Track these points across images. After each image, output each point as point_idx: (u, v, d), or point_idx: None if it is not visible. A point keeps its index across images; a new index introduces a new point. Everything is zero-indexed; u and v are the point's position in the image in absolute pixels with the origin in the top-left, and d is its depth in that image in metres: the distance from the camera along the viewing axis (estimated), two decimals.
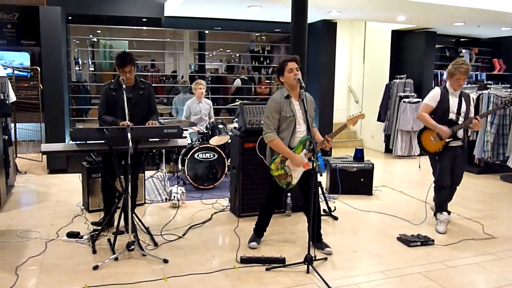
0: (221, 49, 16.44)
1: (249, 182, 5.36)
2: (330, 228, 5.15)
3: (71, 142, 4.17)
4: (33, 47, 8.91)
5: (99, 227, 4.63)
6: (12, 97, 6.80)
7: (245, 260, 4.07)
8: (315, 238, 4.26)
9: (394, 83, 9.85)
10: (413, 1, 7.57)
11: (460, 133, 5.06)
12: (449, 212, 5.25)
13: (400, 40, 10.39)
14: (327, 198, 5.78)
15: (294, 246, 4.53)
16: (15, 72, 8.39)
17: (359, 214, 5.70)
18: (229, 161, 6.60)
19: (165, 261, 4.03)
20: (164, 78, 14.25)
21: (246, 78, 13.36)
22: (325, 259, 4.20)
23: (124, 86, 4.33)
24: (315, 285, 3.68)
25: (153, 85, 5.02)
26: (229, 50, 16.40)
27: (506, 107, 5.90)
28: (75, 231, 4.63)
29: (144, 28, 10.24)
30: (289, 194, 5.50)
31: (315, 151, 4.00)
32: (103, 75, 12.27)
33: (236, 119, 6.72)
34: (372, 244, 4.70)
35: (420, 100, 9.28)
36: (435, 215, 5.35)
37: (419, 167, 8.10)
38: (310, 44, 6.53)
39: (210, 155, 6.67)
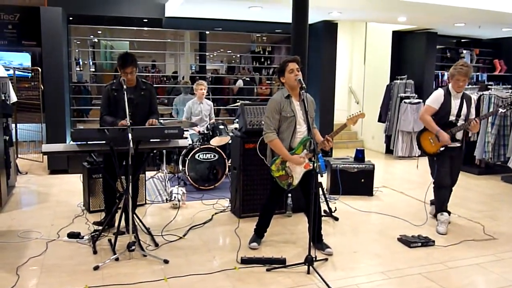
0: (221, 50, 16.44)
1: (250, 183, 5.36)
2: (330, 228, 5.15)
3: (72, 142, 4.18)
4: (34, 47, 8.92)
5: (100, 227, 4.63)
6: (13, 98, 6.81)
7: (245, 261, 4.07)
8: (316, 239, 4.26)
9: (394, 84, 9.85)
10: (413, 2, 7.58)
11: (459, 135, 5.09)
12: (449, 213, 5.26)
13: (401, 41, 10.39)
14: (328, 199, 5.78)
15: (294, 246, 4.53)
16: (16, 72, 8.40)
17: (359, 215, 5.70)
18: (229, 161, 6.60)
19: (166, 261, 4.03)
20: (165, 79, 14.26)
21: (248, 79, 13.39)
22: (326, 259, 4.20)
23: (125, 86, 4.33)
24: (316, 286, 3.68)
25: (154, 85, 5.01)
26: (230, 51, 16.40)
27: (506, 110, 5.90)
28: (76, 232, 4.63)
29: (145, 28, 10.25)
30: (289, 195, 5.50)
31: (316, 151, 4.00)
32: (104, 76, 12.29)
33: (237, 119, 6.73)
34: (372, 244, 4.70)
35: (421, 101, 9.29)
36: (435, 216, 5.36)
37: (417, 167, 8.11)
38: (311, 45, 6.53)
39: (210, 156, 6.67)
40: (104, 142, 4.16)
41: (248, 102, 5.95)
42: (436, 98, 5.13)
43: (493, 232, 5.08)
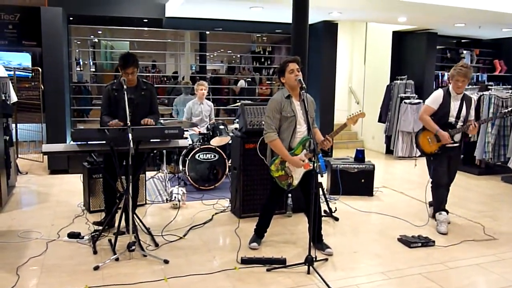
0: (222, 50, 16.46)
1: (250, 183, 5.36)
2: (330, 229, 5.15)
3: (72, 142, 4.18)
4: (34, 47, 8.92)
5: (100, 227, 4.63)
6: (13, 98, 6.81)
7: (245, 261, 4.07)
8: (316, 239, 4.26)
9: (395, 84, 9.85)
10: (414, 2, 7.58)
11: (458, 137, 5.11)
12: (447, 212, 5.26)
13: (401, 41, 10.39)
14: (328, 199, 5.78)
15: (294, 247, 4.53)
16: (16, 72, 8.40)
17: (359, 215, 5.70)
18: (229, 161, 6.60)
19: (166, 261, 4.03)
20: (165, 79, 14.27)
21: (250, 79, 13.40)
22: (326, 260, 4.20)
23: (125, 86, 4.33)
24: (316, 286, 3.68)
25: (154, 86, 5.01)
26: (230, 51, 16.42)
27: (505, 117, 5.94)
28: (76, 232, 4.63)
29: (145, 29, 10.26)
30: (289, 195, 5.50)
31: (316, 151, 4.00)
32: (104, 76, 12.30)
33: (237, 119, 6.72)
34: (372, 245, 4.70)
35: (421, 101, 9.29)
36: (433, 216, 5.37)
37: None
38: (311, 45, 6.54)
39: (211, 156, 6.68)
40: (104, 142, 4.16)
41: (248, 102, 5.95)
42: (435, 98, 5.15)
43: (493, 232, 5.08)
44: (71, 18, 8.68)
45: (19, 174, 7.32)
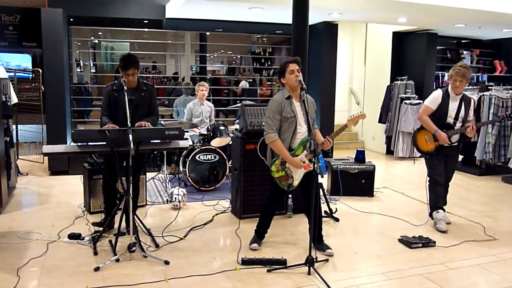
0: (222, 51, 16.46)
1: (250, 184, 5.36)
2: (331, 229, 5.15)
3: (72, 143, 4.18)
4: (35, 48, 8.94)
5: (100, 228, 4.63)
6: (14, 99, 6.82)
7: (246, 262, 4.07)
8: (316, 240, 4.25)
9: (395, 85, 9.85)
10: (414, 2, 7.59)
11: (455, 137, 5.14)
12: (443, 210, 5.29)
13: (401, 42, 10.39)
14: (328, 200, 5.78)
15: (295, 247, 4.53)
16: (17, 74, 8.41)
17: (360, 216, 5.70)
18: (230, 162, 6.60)
19: (166, 262, 4.03)
20: (166, 80, 14.27)
21: (251, 80, 13.41)
22: (326, 260, 4.20)
23: (126, 87, 4.33)
24: (316, 287, 3.68)
25: (154, 86, 5.02)
26: (230, 52, 16.42)
27: (503, 121, 5.96)
28: (77, 233, 4.63)
29: (146, 30, 10.27)
30: (290, 196, 5.49)
31: (316, 152, 4.00)
32: (105, 77, 12.32)
33: (237, 120, 6.72)
34: (373, 245, 4.70)
35: (421, 101, 9.28)
36: (430, 215, 5.39)
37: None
38: (311, 46, 6.55)
39: (211, 157, 6.68)
40: (104, 143, 4.16)
41: (249, 103, 5.95)
42: (434, 98, 5.18)
43: (494, 232, 5.08)
44: (71, 19, 8.69)
45: (19, 175, 7.32)
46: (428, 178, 5.33)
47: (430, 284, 3.80)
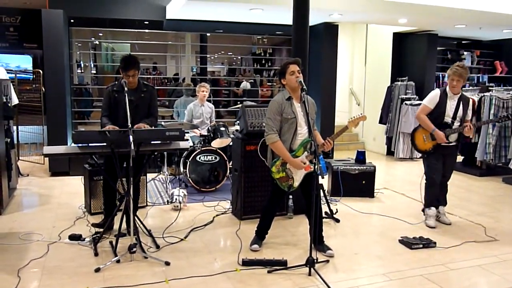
0: (222, 52, 16.47)
1: (251, 185, 5.36)
2: (331, 230, 5.15)
3: (73, 144, 4.18)
4: (36, 50, 8.94)
5: (101, 229, 4.63)
6: (15, 100, 6.82)
7: (247, 263, 4.07)
8: (317, 241, 4.25)
9: (395, 86, 9.85)
10: (414, 3, 7.60)
11: (453, 137, 5.17)
12: (437, 207, 5.38)
13: (402, 43, 10.39)
14: (329, 201, 5.78)
15: (296, 248, 4.53)
16: (18, 75, 8.42)
17: (360, 217, 5.70)
18: (230, 163, 6.61)
19: (167, 263, 4.03)
20: (166, 81, 14.28)
21: (252, 81, 13.41)
22: (327, 261, 4.20)
23: (126, 88, 4.33)
24: None
25: (155, 87, 5.02)
26: (231, 53, 16.43)
27: (500, 121, 5.99)
28: (77, 234, 4.63)
29: (146, 31, 10.27)
30: (290, 197, 5.49)
31: (317, 153, 4.00)
32: (105, 78, 12.32)
33: (238, 121, 6.72)
34: (374, 246, 4.70)
35: (422, 102, 9.28)
36: (423, 210, 5.48)
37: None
38: (311, 47, 6.54)
39: (211, 158, 6.68)
40: (105, 144, 4.16)
41: (249, 104, 5.95)
42: (432, 98, 5.23)
43: (494, 233, 5.08)
44: (72, 20, 8.70)
45: (20, 176, 7.33)
46: (424, 177, 5.38)
47: (431, 285, 3.80)
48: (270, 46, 14.15)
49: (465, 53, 11.17)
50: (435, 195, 5.32)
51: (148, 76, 14.30)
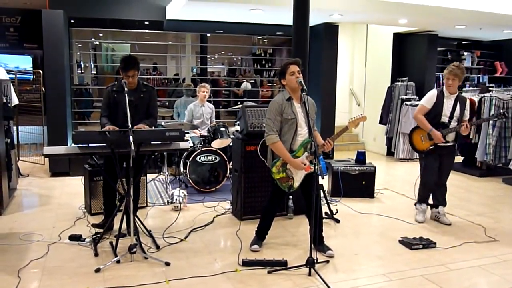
0: (223, 52, 16.48)
1: (251, 185, 5.36)
2: (332, 230, 5.15)
3: (73, 145, 4.18)
4: (36, 50, 8.95)
5: (101, 230, 4.63)
6: (15, 100, 6.83)
7: (247, 263, 4.07)
8: (317, 241, 4.25)
9: (396, 86, 9.85)
10: (414, 4, 7.60)
11: (451, 136, 5.22)
12: (436, 207, 5.44)
13: (402, 43, 10.40)
14: (329, 201, 5.78)
15: (296, 249, 4.53)
16: (17, 75, 8.42)
17: (361, 217, 5.70)
18: (230, 164, 6.61)
19: (167, 264, 4.03)
20: (166, 81, 14.29)
21: (253, 81, 13.41)
22: (327, 261, 4.20)
23: (126, 89, 4.33)
24: None
25: (155, 88, 5.02)
26: (231, 53, 16.43)
27: (496, 119, 6.04)
28: (77, 234, 4.63)
29: (146, 31, 10.27)
30: (290, 197, 5.49)
31: (317, 153, 4.00)
32: (105, 78, 12.33)
33: (238, 122, 6.72)
34: (374, 246, 4.70)
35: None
36: (415, 205, 5.60)
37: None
38: (311, 47, 6.54)
39: (212, 158, 6.68)
40: (105, 144, 4.16)
41: (249, 104, 5.95)
42: (429, 98, 5.30)
43: (494, 234, 5.08)
44: (72, 21, 8.70)
45: (20, 176, 7.33)
46: (419, 176, 5.48)
47: (431, 285, 3.80)
48: (271, 47, 14.15)
49: (465, 53, 11.18)
50: (428, 193, 5.43)
51: (148, 77, 14.30)
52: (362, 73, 11.39)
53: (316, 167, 3.94)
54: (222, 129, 6.94)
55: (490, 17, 8.19)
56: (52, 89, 7.46)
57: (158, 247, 4.44)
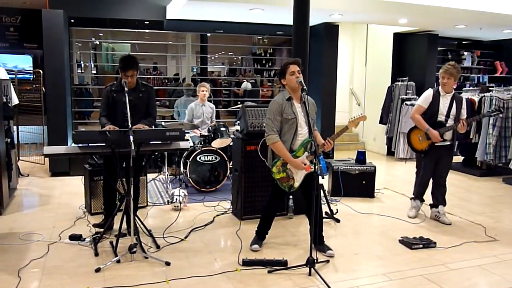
0: (223, 52, 16.49)
1: (251, 185, 5.36)
2: (332, 230, 5.15)
3: (73, 145, 4.18)
4: (36, 50, 8.95)
5: (101, 229, 4.64)
6: (15, 100, 6.82)
7: (247, 263, 4.07)
8: (317, 241, 4.25)
9: (396, 86, 9.85)
10: (415, 4, 7.60)
11: (448, 135, 5.27)
12: (436, 206, 5.48)
13: (402, 43, 10.39)
14: (329, 201, 5.78)
15: (296, 248, 4.53)
16: (17, 75, 8.42)
17: (361, 217, 5.70)
18: (231, 163, 6.61)
19: (167, 263, 4.03)
20: (166, 81, 14.29)
21: (253, 81, 13.41)
22: (327, 261, 4.20)
23: (126, 89, 4.33)
24: None
25: (155, 88, 5.02)
26: (231, 53, 16.44)
27: (492, 115, 6.07)
28: (78, 234, 4.63)
29: (146, 31, 10.27)
30: (291, 197, 5.49)
31: (317, 153, 4.00)
32: (106, 78, 12.33)
33: (238, 121, 6.72)
34: (374, 246, 4.70)
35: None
36: (411, 199, 5.70)
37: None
38: (312, 47, 6.54)
39: (212, 158, 6.68)
40: (105, 144, 4.16)
41: (250, 104, 5.95)
42: (425, 97, 5.36)
43: (494, 233, 5.08)
44: (72, 21, 8.70)
45: (20, 176, 7.33)
46: (416, 176, 5.57)
47: (431, 285, 3.80)
48: (271, 46, 14.16)
49: (465, 53, 11.18)
50: (423, 190, 5.55)
51: (149, 76, 14.30)
52: (362, 73, 11.39)
53: (316, 167, 3.94)
54: (222, 128, 6.94)
55: (490, 17, 8.19)
56: (52, 88, 7.46)
57: (158, 246, 4.44)
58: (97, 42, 12.21)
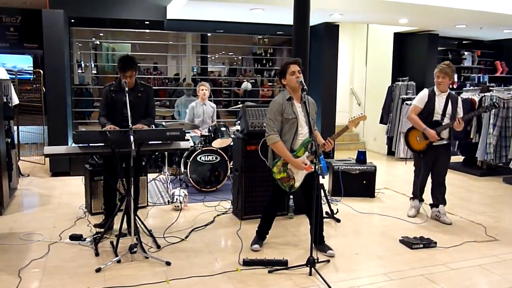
0: (223, 52, 16.48)
1: (252, 185, 5.36)
2: (332, 230, 5.15)
3: (73, 145, 4.19)
4: (36, 50, 8.95)
5: (102, 229, 4.64)
6: (15, 100, 6.83)
7: (247, 263, 4.07)
8: (318, 241, 4.25)
9: (396, 86, 9.85)
10: (415, 4, 7.59)
11: (445, 133, 5.31)
12: (436, 206, 5.48)
13: (403, 43, 10.39)
14: (330, 201, 5.78)
15: (296, 248, 4.53)
16: (18, 75, 8.42)
17: (361, 217, 5.70)
18: (231, 163, 6.60)
19: (168, 263, 4.03)
20: (167, 81, 14.29)
21: (254, 81, 13.42)
22: (328, 261, 4.20)
23: (126, 89, 4.33)
24: None
25: (155, 88, 5.02)
26: (232, 53, 16.44)
27: (487, 111, 6.12)
28: (78, 234, 4.63)
29: (147, 31, 10.27)
30: (291, 197, 5.49)
31: (317, 153, 4.00)
32: (106, 78, 12.32)
33: (239, 121, 6.72)
34: (374, 246, 4.70)
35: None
36: (411, 199, 5.76)
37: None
38: (312, 47, 6.54)
39: (212, 158, 6.68)
40: (105, 144, 4.16)
41: (250, 104, 5.95)
42: (421, 97, 5.42)
43: (495, 233, 5.08)
44: (72, 21, 8.69)
45: (20, 176, 7.33)
46: (414, 175, 5.63)
47: (431, 284, 3.80)
48: (271, 46, 14.15)
49: (465, 53, 11.18)
50: (420, 188, 5.60)
51: (149, 76, 14.30)
52: (363, 72, 11.38)
53: (316, 167, 3.94)
54: (223, 128, 6.94)
55: (490, 16, 8.19)
56: (52, 88, 7.45)
57: (158, 246, 4.44)
58: (97, 42, 12.20)
